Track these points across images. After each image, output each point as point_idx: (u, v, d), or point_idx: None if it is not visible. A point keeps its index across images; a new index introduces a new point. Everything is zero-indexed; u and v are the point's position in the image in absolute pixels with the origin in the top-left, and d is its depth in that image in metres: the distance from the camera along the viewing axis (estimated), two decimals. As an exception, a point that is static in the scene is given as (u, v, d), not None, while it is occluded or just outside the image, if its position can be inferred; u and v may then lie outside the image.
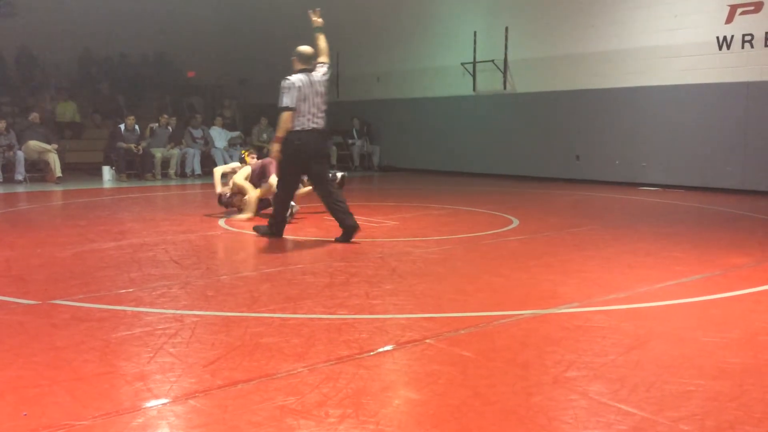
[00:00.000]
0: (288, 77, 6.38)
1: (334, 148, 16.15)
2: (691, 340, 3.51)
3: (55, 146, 13.13)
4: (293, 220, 7.74)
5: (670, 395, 2.77)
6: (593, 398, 2.73)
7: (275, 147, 6.33)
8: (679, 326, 3.78)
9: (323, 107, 6.53)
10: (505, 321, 3.81)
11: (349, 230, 6.36)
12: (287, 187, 6.56)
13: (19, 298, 4.27)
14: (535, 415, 2.57)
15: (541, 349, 3.33)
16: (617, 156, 12.27)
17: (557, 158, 13.16)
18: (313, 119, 6.39)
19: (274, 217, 6.59)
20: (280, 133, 6.26)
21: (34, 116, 13.38)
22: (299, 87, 6.27)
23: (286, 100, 6.27)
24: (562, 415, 2.57)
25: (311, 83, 6.46)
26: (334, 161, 16.07)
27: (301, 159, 6.34)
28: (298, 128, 6.26)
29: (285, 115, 6.24)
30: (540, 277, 4.96)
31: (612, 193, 11.01)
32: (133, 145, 13.76)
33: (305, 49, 6.60)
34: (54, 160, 12.96)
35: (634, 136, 12.03)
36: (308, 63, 6.55)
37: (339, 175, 8.81)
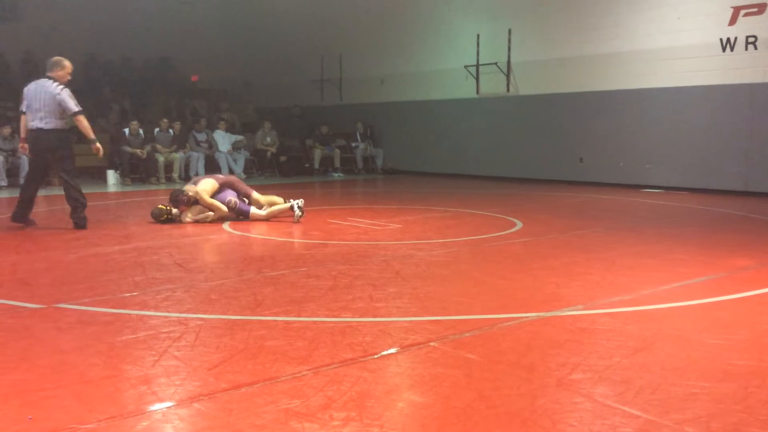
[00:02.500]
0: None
1: (337, 151, 16.18)
2: (697, 343, 3.50)
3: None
4: (297, 222, 7.76)
5: (675, 398, 2.77)
6: (598, 401, 2.73)
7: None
8: (685, 328, 3.77)
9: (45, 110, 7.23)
10: (509, 324, 3.80)
11: (75, 223, 7.38)
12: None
13: (24, 301, 4.28)
14: (539, 418, 2.56)
15: (546, 352, 3.33)
16: (621, 158, 12.26)
17: (561, 160, 13.15)
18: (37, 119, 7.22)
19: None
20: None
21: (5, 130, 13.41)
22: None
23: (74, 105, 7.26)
24: (566, 418, 2.57)
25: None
26: (337, 164, 16.12)
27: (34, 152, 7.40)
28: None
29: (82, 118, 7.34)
30: (544, 279, 4.96)
31: (616, 195, 11.00)
32: (137, 150, 13.80)
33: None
34: None
35: (637, 138, 12.01)
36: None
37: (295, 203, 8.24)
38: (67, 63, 7.38)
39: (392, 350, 3.36)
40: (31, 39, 16.85)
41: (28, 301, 4.28)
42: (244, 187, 8.27)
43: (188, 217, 7.85)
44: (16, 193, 11.69)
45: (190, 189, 7.91)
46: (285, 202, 8.12)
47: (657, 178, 11.83)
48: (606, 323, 3.87)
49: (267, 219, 7.96)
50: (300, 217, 7.80)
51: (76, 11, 17.24)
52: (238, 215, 7.97)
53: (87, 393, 2.81)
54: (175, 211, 7.85)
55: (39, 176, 7.64)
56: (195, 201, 7.86)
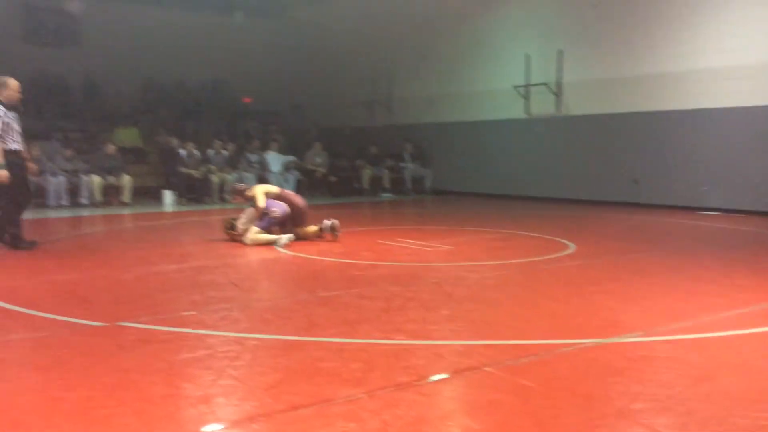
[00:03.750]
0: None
1: (386, 171, 16.25)
2: (762, 372, 3.39)
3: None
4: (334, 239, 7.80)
5: (742, 430, 2.68)
6: None
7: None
8: (748, 357, 3.65)
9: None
10: (566, 350, 3.74)
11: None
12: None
13: (86, 319, 4.40)
14: (600, 448, 2.51)
15: (605, 380, 3.26)
16: (676, 179, 12.00)
17: (614, 182, 12.94)
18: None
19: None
20: None
21: (110, 148, 13.89)
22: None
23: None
24: (628, 449, 2.51)
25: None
26: (386, 184, 16.17)
27: None
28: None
29: None
30: (600, 304, 4.87)
31: (671, 218, 10.75)
32: (192, 170, 14.12)
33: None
34: (127, 185, 13.48)
35: (693, 159, 11.74)
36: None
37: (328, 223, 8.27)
38: (11, 82, 7.27)
39: (447, 374, 3.34)
40: (90, 63, 17.48)
41: (90, 319, 4.40)
42: (303, 216, 8.15)
43: (242, 221, 7.96)
44: (77, 213, 12.11)
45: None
46: (320, 228, 8.13)
47: (714, 200, 11.52)
48: (666, 351, 3.77)
49: (254, 244, 7.73)
50: (330, 231, 7.93)
51: (133, 36, 17.81)
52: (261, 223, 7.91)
53: (148, 411, 2.86)
54: (237, 224, 7.98)
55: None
56: (250, 199, 7.98)
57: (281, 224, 7.95)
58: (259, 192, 7.97)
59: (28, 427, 2.70)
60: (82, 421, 2.75)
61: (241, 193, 8.10)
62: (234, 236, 7.97)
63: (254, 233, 7.71)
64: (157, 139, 16.15)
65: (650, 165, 12.37)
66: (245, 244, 7.65)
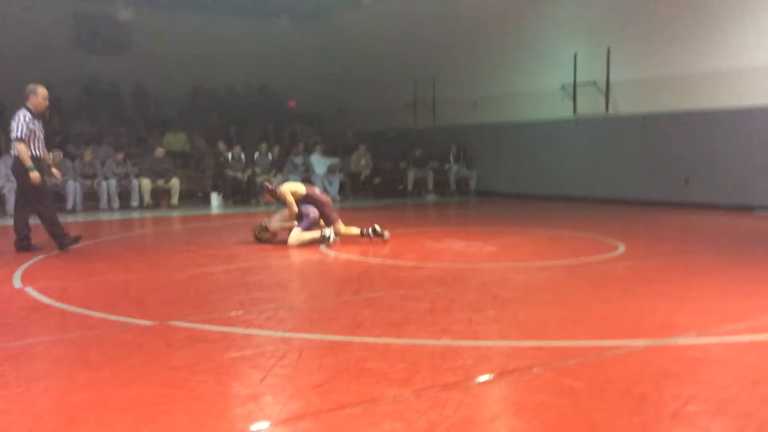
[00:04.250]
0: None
1: (430, 173, 16.21)
2: (825, 376, 3.26)
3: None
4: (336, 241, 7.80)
5: (804, 435, 2.58)
6: (717, 435, 2.58)
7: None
8: (810, 360, 3.52)
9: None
10: (617, 351, 3.66)
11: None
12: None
13: (137, 318, 4.49)
14: (654, 452, 2.45)
15: (658, 382, 3.18)
16: (730, 179, 11.67)
17: (664, 181, 12.65)
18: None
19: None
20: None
21: (159, 151, 14.20)
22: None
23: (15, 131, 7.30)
24: (684, 453, 2.44)
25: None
26: (430, 186, 16.13)
27: None
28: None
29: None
30: (652, 305, 4.76)
31: (724, 218, 10.46)
32: (239, 173, 14.32)
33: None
34: (175, 188, 13.76)
35: (747, 158, 11.41)
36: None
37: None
38: (40, 90, 7.42)
39: (494, 375, 3.30)
40: (140, 70, 17.90)
41: (141, 318, 4.49)
42: (330, 211, 8.06)
43: (275, 222, 8.06)
44: (127, 215, 12.39)
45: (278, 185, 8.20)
46: (362, 231, 8.01)
47: (769, 199, 11.17)
48: (721, 353, 3.66)
49: (299, 244, 7.78)
50: (333, 239, 7.78)
51: (181, 42, 18.20)
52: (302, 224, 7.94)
53: (198, 409, 2.90)
54: (268, 225, 8.06)
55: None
56: (279, 198, 8.00)
57: (316, 224, 8.02)
58: (287, 191, 7.92)
59: (83, 423, 2.76)
60: (134, 418, 2.80)
61: (270, 192, 8.12)
62: (267, 239, 8.06)
63: (298, 234, 7.78)
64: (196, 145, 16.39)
65: (702, 164, 12.06)
66: (289, 246, 7.71)
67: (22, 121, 7.24)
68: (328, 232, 7.77)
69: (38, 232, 7.84)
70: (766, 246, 7.72)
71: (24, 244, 7.55)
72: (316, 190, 8.32)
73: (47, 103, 7.51)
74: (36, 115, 7.41)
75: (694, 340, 3.87)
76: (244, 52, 19.05)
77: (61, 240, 7.56)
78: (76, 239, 7.74)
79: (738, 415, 2.77)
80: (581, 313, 4.59)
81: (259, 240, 8.09)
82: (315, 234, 7.83)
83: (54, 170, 8.02)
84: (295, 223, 7.97)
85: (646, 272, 6.06)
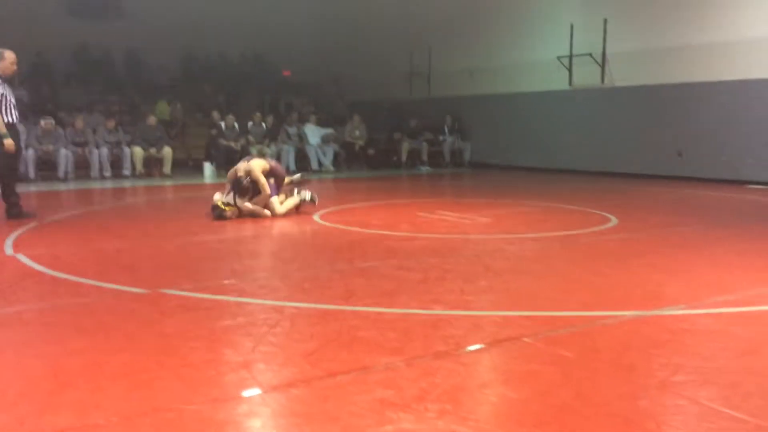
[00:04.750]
0: None
1: (425, 144, 16.16)
2: (811, 347, 3.30)
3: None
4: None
5: (789, 404, 2.61)
6: (704, 404, 2.61)
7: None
8: (797, 332, 3.56)
9: None
10: (606, 321, 3.69)
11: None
12: None
13: (130, 286, 4.49)
14: (642, 420, 2.47)
15: (646, 352, 3.21)
16: (723, 152, 11.68)
17: (658, 155, 12.66)
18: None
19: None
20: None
21: (151, 119, 14.08)
22: None
23: None
24: (671, 420, 2.47)
25: None
26: (424, 157, 16.10)
27: None
28: None
29: None
30: (642, 276, 4.79)
31: (717, 191, 10.49)
32: (232, 143, 14.24)
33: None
34: (168, 157, 13.68)
35: (741, 131, 11.41)
36: None
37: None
38: (8, 54, 7.22)
39: (485, 344, 3.32)
40: (133, 35, 17.66)
41: (133, 286, 4.49)
42: (281, 178, 8.09)
43: (249, 204, 7.70)
44: (118, 184, 12.34)
45: (241, 167, 7.78)
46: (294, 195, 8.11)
47: (761, 173, 11.20)
48: (709, 324, 3.70)
49: (287, 211, 7.85)
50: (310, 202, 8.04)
51: (174, 8, 17.94)
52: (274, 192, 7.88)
53: (190, 375, 2.92)
54: (236, 202, 7.66)
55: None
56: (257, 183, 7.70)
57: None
58: (260, 174, 7.70)
59: (76, 388, 2.78)
60: (126, 385, 2.81)
61: (252, 183, 7.73)
62: (229, 216, 7.54)
63: (280, 203, 7.84)
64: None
65: (695, 137, 12.07)
66: (277, 215, 7.69)
67: None
68: (307, 194, 7.92)
69: (29, 200, 7.80)
70: (758, 219, 7.76)
71: (14, 211, 7.49)
72: (273, 162, 8.28)
73: (15, 67, 7.34)
74: (4, 80, 7.25)
75: (683, 311, 3.90)
76: (239, 19, 18.81)
77: (12, 209, 7.45)
78: (26, 214, 7.54)
79: (725, 385, 2.80)
80: (572, 284, 4.62)
81: (220, 217, 7.49)
82: (295, 199, 8.00)
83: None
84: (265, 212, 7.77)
85: (637, 245, 6.09)
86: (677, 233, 6.70)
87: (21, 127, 7.49)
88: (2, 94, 7.18)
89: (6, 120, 7.22)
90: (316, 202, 8.16)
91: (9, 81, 7.39)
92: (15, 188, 7.56)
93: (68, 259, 5.40)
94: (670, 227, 7.07)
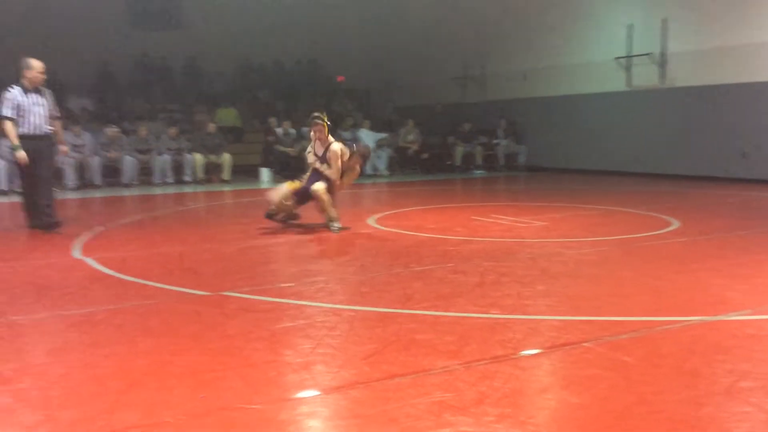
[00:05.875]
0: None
1: (479, 148, 16.07)
2: None
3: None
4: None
5: None
6: (772, 412, 2.54)
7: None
8: None
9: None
10: (669, 327, 3.62)
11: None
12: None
13: (193, 289, 4.62)
14: (706, 426, 2.43)
15: (711, 358, 3.14)
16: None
17: (721, 156, 12.29)
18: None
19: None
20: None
21: (211, 127, 14.40)
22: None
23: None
24: (736, 428, 2.42)
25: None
26: (479, 161, 16.00)
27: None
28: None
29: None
30: (706, 281, 4.67)
31: (785, 193, 10.13)
32: (289, 148, 14.45)
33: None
34: (227, 163, 13.97)
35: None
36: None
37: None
38: (35, 63, 7.04)
39: (543, 349, 3.30)
40: (191, 45, 18.12)
41: (197, 289, 4.61)
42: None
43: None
44: (181, 189, 12.67)
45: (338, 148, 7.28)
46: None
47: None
48: (778, 330, 3.59)
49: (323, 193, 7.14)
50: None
51: (231, 18, 18.32)
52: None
53: (252, 376, 2.99)
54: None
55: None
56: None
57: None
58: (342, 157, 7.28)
59: (144, 387, 2.88)
60: (191, 384, 2.90)
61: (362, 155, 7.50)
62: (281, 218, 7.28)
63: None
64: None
65: (761, 138, 11.67)
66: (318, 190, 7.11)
67: (6, 98, 6.94)
68: (335, 226, 7.14)
69: (93, 206, 8.06)
70: (829, 222, 7.47)
71: (47, 222, 7.14)
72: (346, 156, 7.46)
73: (44, 75, 7.14)
74: (31, 89, 7.04)
75: (748, 316, 3.80)
76: (293, 26, 19.09)
77: (38, 219, 7.17)
78: (51, 225, 7.13)
79: (794, 393, 2.72)
80: (633, 289, 4.54)
81: (272, 217, 7.24)
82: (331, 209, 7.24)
83: (62, 147, 7.69)
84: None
85: (700, 248, 5.94)
86: (741, 237, 6.50)
87: (52, 138, 7.23)
88: (20, 105, 6.93)
89: (22, 131, 6.95)
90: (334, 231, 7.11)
91: (38, 91, 7.12)
92: (46, 199, 7.17)
93: (134, 263, 5.59)
94: (733, 231, 6.87)
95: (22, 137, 6.97)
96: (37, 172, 7.09)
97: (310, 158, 7.50)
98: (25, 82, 7.05)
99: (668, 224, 7.25)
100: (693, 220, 7.56)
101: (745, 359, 3.11)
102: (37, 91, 7.12)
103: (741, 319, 3.76)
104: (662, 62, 13.02)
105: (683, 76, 12.79)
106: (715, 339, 3.43)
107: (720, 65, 12.13)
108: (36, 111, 7.07)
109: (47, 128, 7.19)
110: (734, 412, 2.55)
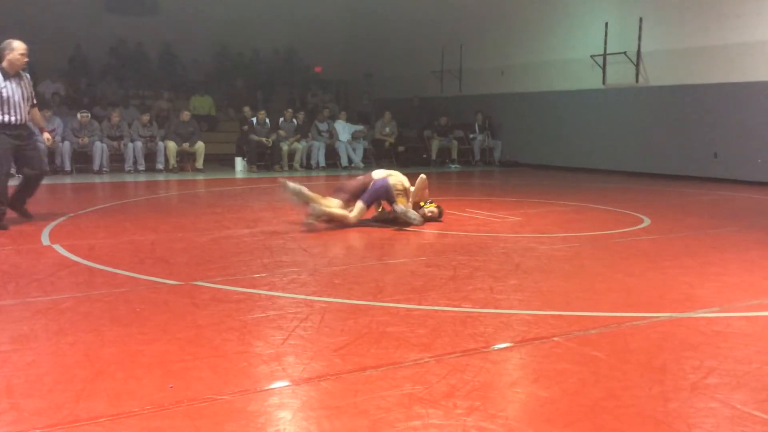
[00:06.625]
0: None
1: (455, 142, 16.10)
2: None
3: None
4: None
5: (825, 410, 2.57)
6: (736, 407, 2.58)
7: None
8: (835, 337, 3.49)
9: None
10: (639, 323, 3.66)
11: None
12: None
13: (164, 278, 4.57)
14: (673, 421, 2.46)
15: (679, 354, 3.18)
16: (759, 154, 11.46)
17: (693, 155, 12.47)
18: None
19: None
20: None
21: (185, 114, 14.23)
22: None
23: None
24: (702, 423, 2.45)
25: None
26: (454, 155, 16.04)
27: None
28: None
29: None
30: (676, 278, 4.73)
31: (753, 194, 10.30)
32: (263, 138, 14.35)
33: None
34: (200, 151, 13.83)
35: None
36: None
37: None
38: (16, 44, 6.53)
39: (514, 343, 3.32)
40: (167, 32, 17.89)
41: (167, 278, 4.56)
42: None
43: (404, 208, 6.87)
44: (153, 177, 12.51)
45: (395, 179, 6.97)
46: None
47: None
48: (743, 327, 3.64)
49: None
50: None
51: (208, 4, 18.14)
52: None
53: (222, 366, 2.96)
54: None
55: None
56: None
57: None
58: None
59: (110, 376, 2.84)
60: (160, 373, 2.87)
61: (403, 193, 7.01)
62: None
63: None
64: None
65: (731, 139, 11.85)
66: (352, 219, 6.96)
67: None
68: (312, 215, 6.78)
69: (64, 192, 7.93)
70: (795, 223, 7.60)
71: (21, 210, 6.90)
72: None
73: (26, 58, 6.58)
74: (12, 74, 6.55)
75: (716, 314, 3.85)
76: (272, 15, 18.94)
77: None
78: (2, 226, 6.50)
79: (759, 389, 2.76)
80: (604, 285, 4.58)
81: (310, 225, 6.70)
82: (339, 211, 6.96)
83: (45, 134, 7.23)
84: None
85: (670, 246, 6.02)
86: (711, 235, 6.60)
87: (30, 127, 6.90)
88: (2, 90, 6.44)
89: (3, 119, 6.48)
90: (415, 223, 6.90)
91: (18, 75, 6.62)
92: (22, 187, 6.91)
93: (103, 250, 5.50)
94: (703, 229, 6.97)
95: (4, 127, 6.49)
96: (30, 166, 6.75)
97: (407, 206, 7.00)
98: (5, 65, 6.52)
99: (640, 221, 7.33)
100: (664, 218, 7.66)
101: (712, 356, 3.15)
102: (17, 75, 6.61)
103: (709, 316, 3.81)
104: (637, 61, 13.15)
105: (658, 74, 12.94)
106: (683, 335, 3.47)
107: (694, 65, 12.29)
108: (17, 98, 6.55)
109: (27, 116, 6.74)
110: (700, 408, 2.58)
